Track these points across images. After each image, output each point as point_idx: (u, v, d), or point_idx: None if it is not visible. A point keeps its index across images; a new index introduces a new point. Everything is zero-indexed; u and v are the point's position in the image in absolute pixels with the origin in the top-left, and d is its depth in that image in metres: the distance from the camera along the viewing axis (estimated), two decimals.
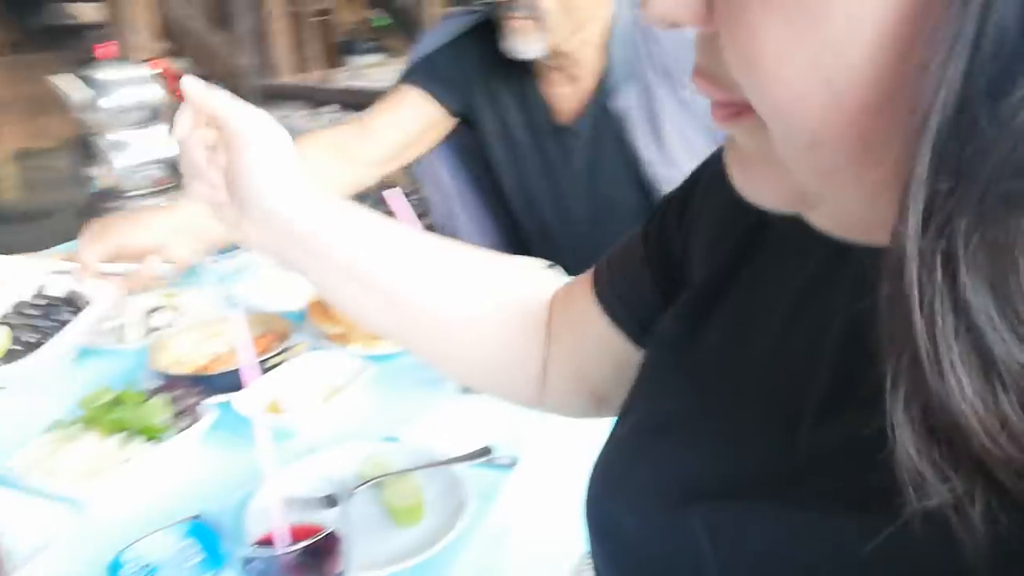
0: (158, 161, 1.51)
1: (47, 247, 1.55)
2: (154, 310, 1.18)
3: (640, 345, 0.55)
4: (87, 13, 4.72)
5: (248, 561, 0.60)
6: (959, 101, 0.22)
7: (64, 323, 0.96)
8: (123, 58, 1.55)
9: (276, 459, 0.64)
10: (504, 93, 1.36)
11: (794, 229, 0.34)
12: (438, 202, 1.58)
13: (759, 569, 0.36)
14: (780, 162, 0.29)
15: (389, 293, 0.58)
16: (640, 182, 1.31)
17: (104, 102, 1.45)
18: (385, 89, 1.55)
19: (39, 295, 1.02)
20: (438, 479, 0.86)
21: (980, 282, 0.23)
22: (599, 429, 1.04)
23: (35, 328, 0.97)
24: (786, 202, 0.32)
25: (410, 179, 1.68)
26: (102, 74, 1.47)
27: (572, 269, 1.35)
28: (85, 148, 1.49)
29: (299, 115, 2.24)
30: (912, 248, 0.24)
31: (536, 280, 0.67)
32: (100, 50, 1.51)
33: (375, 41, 7.92)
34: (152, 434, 0.85)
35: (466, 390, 1.03)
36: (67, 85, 1.43)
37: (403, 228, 0.61)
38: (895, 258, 0.25)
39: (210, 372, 1.04)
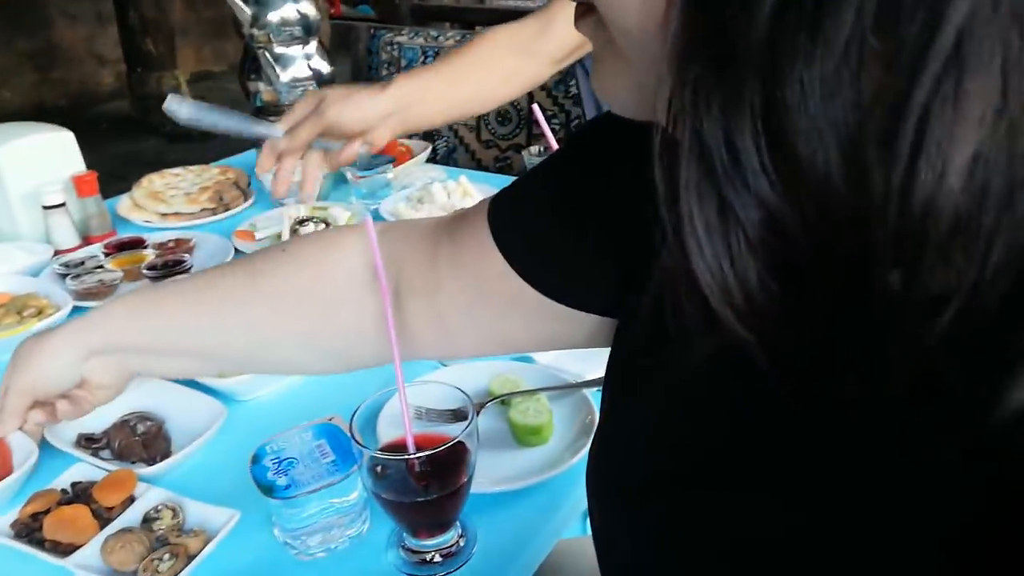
0: (312, 77, 1.55)
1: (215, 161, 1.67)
2: (303, 221, 1.23)
3: (555, 299, 0.51)
4: None
5: (374, 464, 0.61)
6: None
7: None
8: None
9: (408, 370, 0.65)
10: None
11: None
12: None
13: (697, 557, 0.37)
14: (624, 57, 0.32)
15: (216, 360, 0.64)
16: None
17: (269, 16, 1.50)
18: (534, 8, 1.48)
19: None
20: (568, 402, 0.84)
21: (716, 129, 0.26)
22: None
23: None
24: (638, 104, 0.34)
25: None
26: None
27: None
28: (253, 64, 1.55)
29: (448, 35, 2.24)
30: (664, 106, 0.28)
31: (337, 252, 0.62)
32: None
33: None
34: None
35: None
36: (238, 1, 1.49)
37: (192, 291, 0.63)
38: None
39: None
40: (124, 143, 4.61)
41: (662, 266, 0.31)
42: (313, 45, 1.56)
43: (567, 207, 0.50)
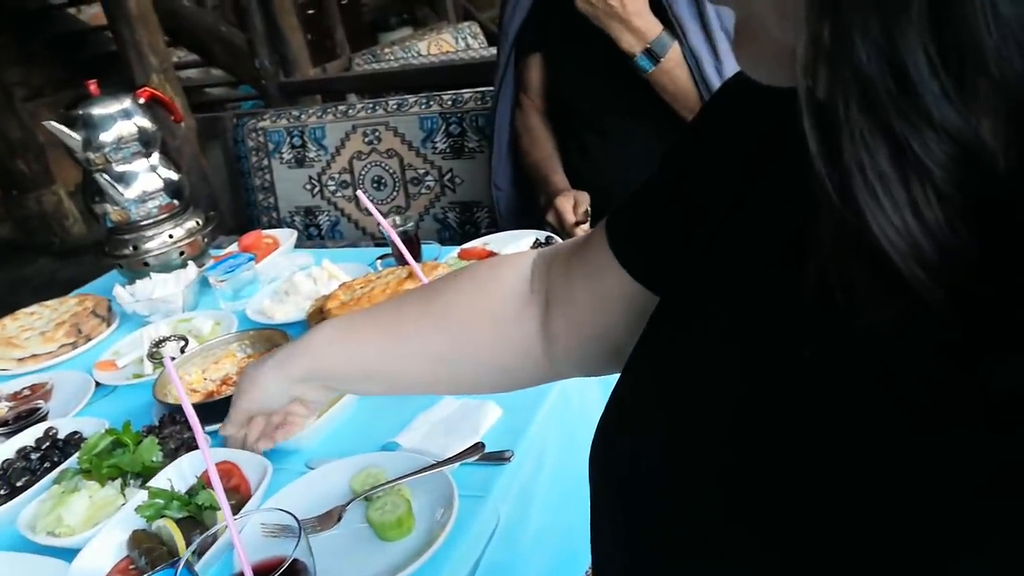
0: (161, 188, 1.52)
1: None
2: (162, 341, 1.20)
3: (659, 294, 0.52)
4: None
5: None
6: None
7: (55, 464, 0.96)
8: (117, 90, 1.57)
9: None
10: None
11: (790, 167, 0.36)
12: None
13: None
14: (764, 22, 0.31)
15: (400, 380, 0.69)
16: (703, 80, 1.38)
17: (103, 137, 1.47)
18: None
19: (45, 437, 1.02)
20: (430, 484, 0.84)
21: (878, 58, 0.23)
22: (593, 416, 1.00)
23: (29, 471, 0.96)
24: (783, 69, 0.32)
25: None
26: (96, 110, 1.49)
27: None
28: (95, 186, 1.52)
29: (310, 111, 2.23)
30: (806, 51, 0.25)
31: (503, 271, 0.65)
32: (92, 86, 1.53)
33: (405, 14, 7.89)
34: (149, 474, 0.86)
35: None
36: (63, 127, 1.46)
37: (381, 324, 0.68)
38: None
39: (215, 398, 1.06)
40: (12, 268, 4.44)
41: (820, 238, 0.28)
42: (156, 156, 1.54)
43: (678, 207, 0.51)
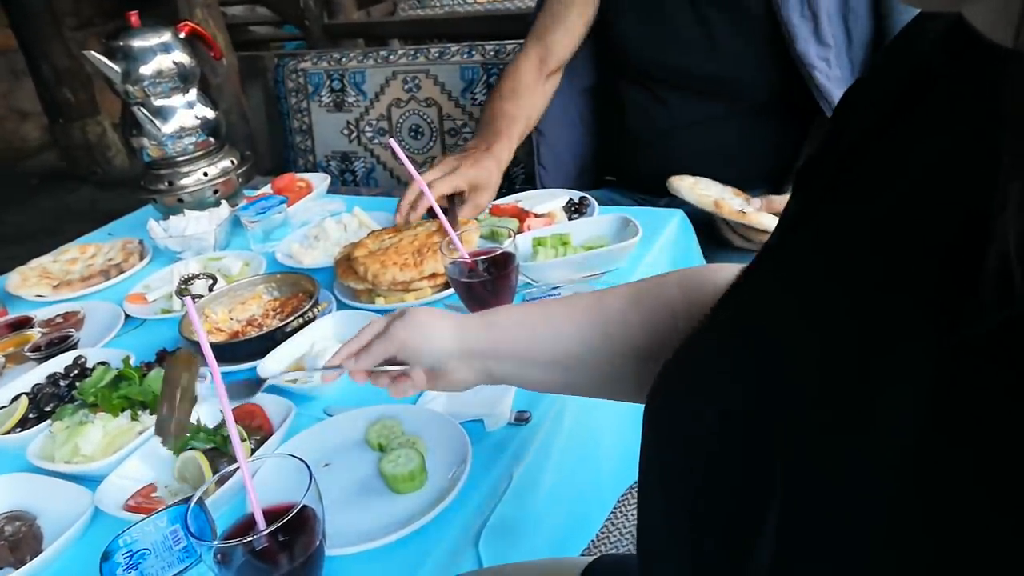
0: (198, 125, 1.52)
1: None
2: (191, 278, 1.21)
3: None
4: None
5: (216, 553, 0.61)
6: None
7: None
8: (157, 23, 1.56)
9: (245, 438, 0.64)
10: None
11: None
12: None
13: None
14: None
15: (579, 375, 0.65)
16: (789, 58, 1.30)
17: (142, 71, 1.47)
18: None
19: (74, 365, 1.04)
20: (447, 440, 0.84)
21: None
22: None
23: (57, 396, 0.98)
24: None
25: None
26: (137, 42, 1.48)
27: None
28: (133, 119, 1.52)
29: (351, 55, 2.20)
30: None
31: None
32: (133, 17, 1.52)
33: None
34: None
35: None
36: (103, 58, 1.45)
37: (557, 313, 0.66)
38: None
39: (240, 338, 1.06)
40: (56, 196, 4.52)
41: (1003, 217, 0.25)
42: (193, 93, 1.53)
43: None
